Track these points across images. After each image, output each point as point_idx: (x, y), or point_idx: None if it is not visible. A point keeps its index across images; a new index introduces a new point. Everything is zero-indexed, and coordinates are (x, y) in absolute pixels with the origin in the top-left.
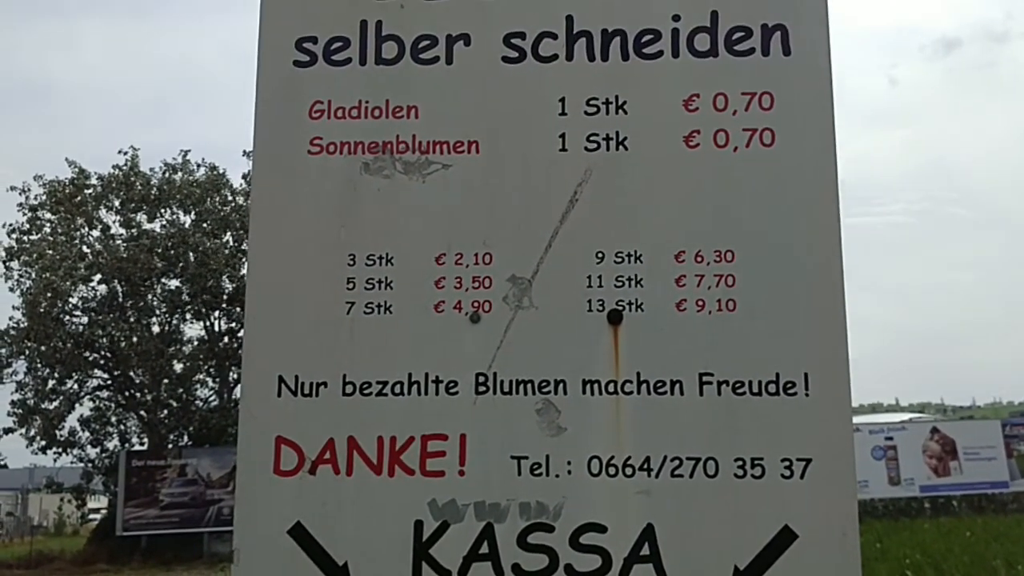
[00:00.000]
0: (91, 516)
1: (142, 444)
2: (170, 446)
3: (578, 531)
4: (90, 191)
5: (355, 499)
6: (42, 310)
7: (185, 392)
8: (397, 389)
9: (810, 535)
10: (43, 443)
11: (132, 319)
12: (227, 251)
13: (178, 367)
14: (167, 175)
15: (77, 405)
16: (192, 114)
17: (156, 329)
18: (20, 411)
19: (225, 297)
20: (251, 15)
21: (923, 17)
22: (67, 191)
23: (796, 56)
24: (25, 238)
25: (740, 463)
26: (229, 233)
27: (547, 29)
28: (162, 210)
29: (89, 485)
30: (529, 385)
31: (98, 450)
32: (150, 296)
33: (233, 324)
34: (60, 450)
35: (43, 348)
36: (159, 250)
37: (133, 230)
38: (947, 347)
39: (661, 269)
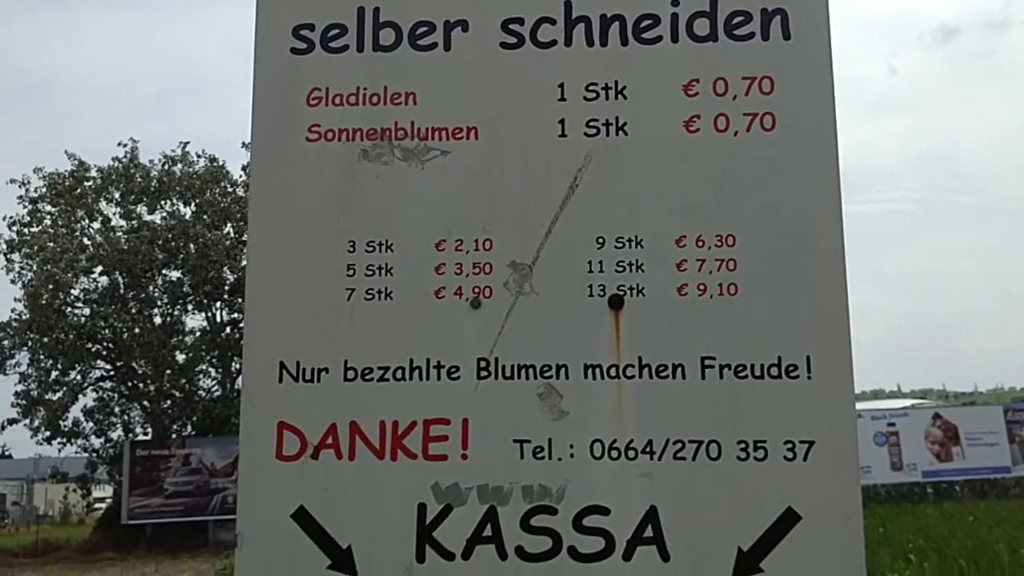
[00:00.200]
0: (96, 505)
1: (146, 434)
2: (174, 436)
3: (581, 513)
4: (90, 183)
5: (358, 483)
6: (44, 302)
7: (188, 382)
8: (399, 374)
9: (813, 516)
10: (47, 433)
11: (134, 310)
12: (227, 242)
13: (180, 358)
14: (167, 167)
15: (80, 396)
16: (191, 107)
17: (158, 320)
18: (24, 402)
19: (226, 288)
20: (248, 5)
21: (922, 4)
22: (67, 183)
23: (796, 40)
24: (26, 230)
25: (743, 446)
26: (229, 224)
27: (545, 14)
28: (162, 202)
29: (94, 475)
30: (531, 370)
31: (102, 440)
32: (151, 287)
33: (235, 315)
34: (64, 440)
35: (45, 339)
36: (160, 242)
37: (133, 222)
38: (949, 334)
39: (662, 254)
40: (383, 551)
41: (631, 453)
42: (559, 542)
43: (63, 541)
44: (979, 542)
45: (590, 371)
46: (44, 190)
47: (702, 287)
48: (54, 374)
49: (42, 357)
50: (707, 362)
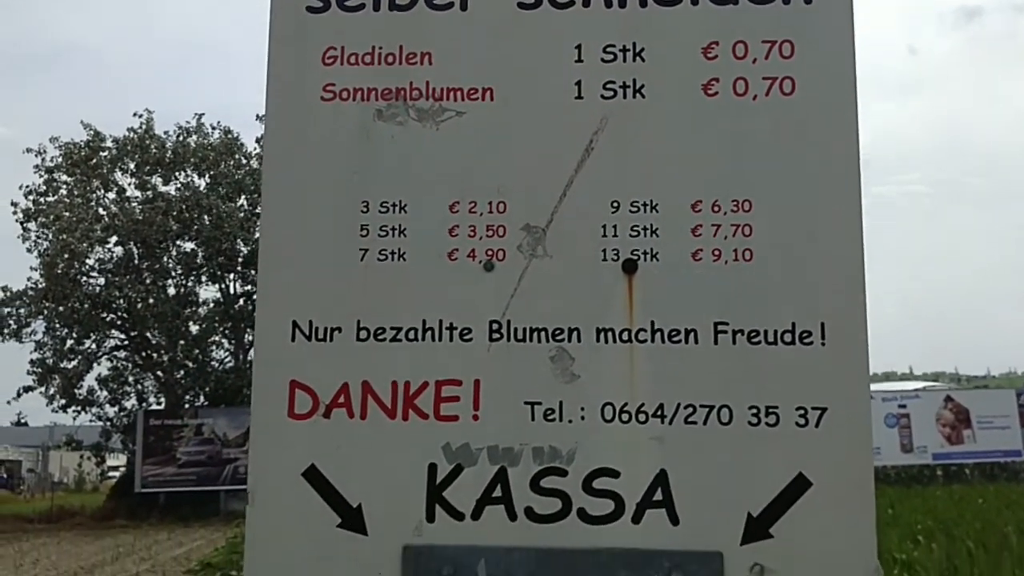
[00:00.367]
0: (110, 473)
1: (159, 404)
2: (186, 406)
3: (591, 475)
4: (105, 154)
5: (369, 442)
6: (59, 271)
7: (201, 353)
8: (411, 335)
9: (825, 483)
10: (62, 401)
11: (148, 281)
12: (241, 215)
13: (194, 328)
14: (181, 138)
15: (95, 364)
16: (206, 78)
17: (172, 291)
18: (39, 370)
19: (240, 260)
20: None
21: None
22: (83, 153)
23: (817, 4)
24: (42, 200)
25: (754, 411)
26: (243, 197)
27: None
28: (177, 173)
29: (108, 443)
30: (543, 333)
31: (116, 409)
32: (165, 258)
33: (248, 287)
34: (79, 408)
35: (61, 308)
36: (174, 213)
37: (148, 192)
38: (963, 317)
39: (677, 219)
40: (393, 510)
41: (642, 417)
42: (568, 504)
43: (77, 508)
44: (988, 524)
45: (602, 335)
46: (60, 160)
47: (717, 252)
48: (69, 343)
49: (57, 326)
50: (720, 327)
